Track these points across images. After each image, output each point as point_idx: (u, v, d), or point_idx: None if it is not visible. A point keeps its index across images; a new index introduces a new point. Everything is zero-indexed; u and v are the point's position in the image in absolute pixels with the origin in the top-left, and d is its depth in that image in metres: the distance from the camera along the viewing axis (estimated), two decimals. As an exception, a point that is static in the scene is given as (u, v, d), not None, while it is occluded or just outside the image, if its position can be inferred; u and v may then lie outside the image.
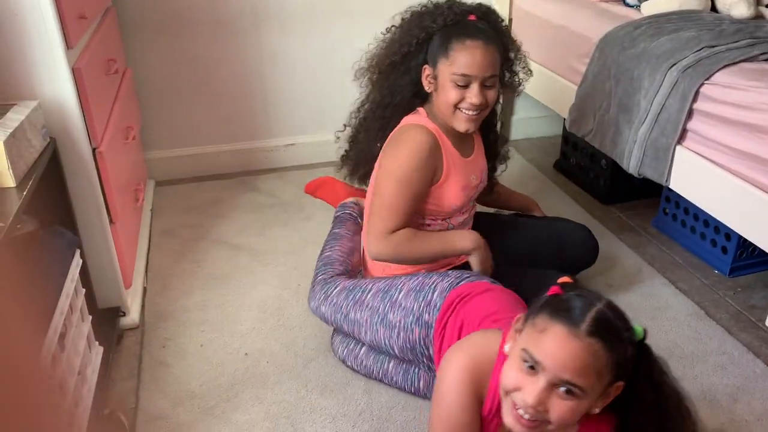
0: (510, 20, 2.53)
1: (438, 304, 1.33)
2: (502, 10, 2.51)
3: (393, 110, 1.55)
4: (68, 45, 1.41)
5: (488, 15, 1.50)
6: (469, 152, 1.58)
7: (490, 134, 1.69)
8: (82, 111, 1.46)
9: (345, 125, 1.74)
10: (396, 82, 1.53)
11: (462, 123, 1.47)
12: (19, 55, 1.36)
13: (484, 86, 1.43)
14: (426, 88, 1.50)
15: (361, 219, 1.75)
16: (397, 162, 1.47)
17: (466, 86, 1.43)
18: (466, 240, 1.50)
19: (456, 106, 1.45)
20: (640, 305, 1.78)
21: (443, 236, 1.52)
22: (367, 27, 1.75)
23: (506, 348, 1.03)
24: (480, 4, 1.52)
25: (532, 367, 0.94)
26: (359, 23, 2.37)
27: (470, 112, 1.45)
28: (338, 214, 1.84)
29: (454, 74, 1.42)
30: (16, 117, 1.27)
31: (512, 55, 1.58)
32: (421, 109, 1.52)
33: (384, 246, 1.46)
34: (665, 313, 1.75)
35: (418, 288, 1.38)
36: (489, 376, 1.06)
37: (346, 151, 1.75)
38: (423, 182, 1.47)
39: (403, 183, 1.45)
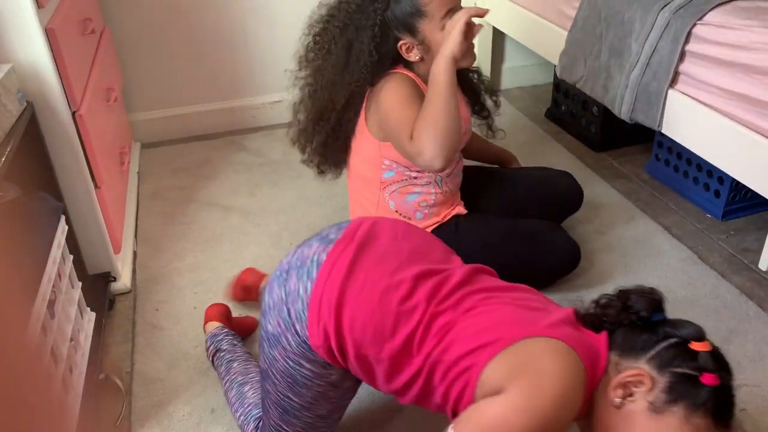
0: (497, -35, 2.46)
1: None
2: (489, -45, 2.44)
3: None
4: (39, 4, 1.36)
5: None
6: None
7: (466, 82, 1.65)
8: (59, 73, 1.42)
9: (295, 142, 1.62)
10: (361, 79, 1.45)
11: (472, 54, 1.46)
12: (-12, 17, 1.31)
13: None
14: (413, 58, 1.46)
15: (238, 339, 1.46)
16: (389, 96, 1.43)
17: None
18: (440, 63, 1.38)
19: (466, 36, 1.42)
20: (634, 251, 1.78)
21: (431, 90, 1.39)
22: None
23: (615, 399, 0.93)
24: None
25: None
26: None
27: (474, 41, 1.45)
28: (222, 346, 1.42)
29: (443, 20, 1.40)
30: (-12, 81, 1.23)
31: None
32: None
33: (432, 150, 1.34)
34: (659, 258, 1.75)
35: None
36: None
37: (318, 159, 1.62)
38: (418, 103, 1.42)
39: (403, 102, 1.41)
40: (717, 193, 1.90)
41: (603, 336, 0.98)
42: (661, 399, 0.90)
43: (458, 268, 1.07)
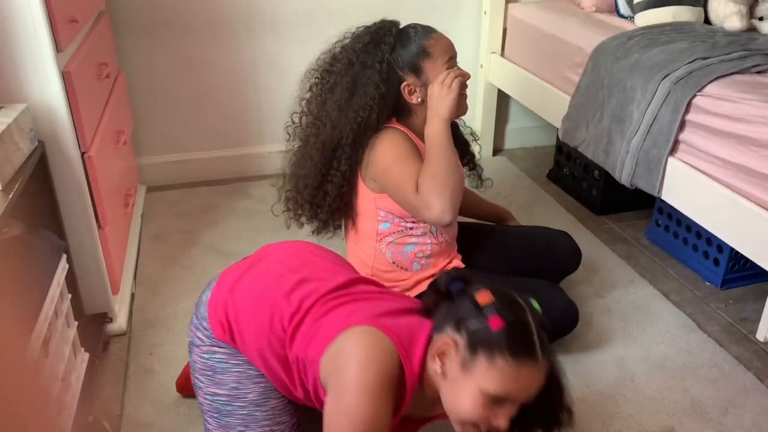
0: (504, 29, 2.53)
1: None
2: (497, 19, 2.51)
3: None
4: (58, 48, 1.40)
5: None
6: None
7: (455, 133, 1.68)
8: (72, 115, 1.45)
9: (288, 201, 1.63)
10: (366, 122, 1.46)
11: (465, 105, 1.52)
12: (8, 58, 1.35)
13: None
14: (414, 101, 1.49)
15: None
16: (388, 151, 1.45)
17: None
18: (438, 124, 1.44)
19: (460, 93, 1.48)
20: (632, 316, 1.77)
21: (433, 148, 1.43)
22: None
23: (437, 369, 1.03)
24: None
25: (500, 402, 0.99)
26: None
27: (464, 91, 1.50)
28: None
29: (445, 64, 1.47)
30: (3, 120, 1.26)
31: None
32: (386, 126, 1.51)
33: (441, 205, 1.37)
34: (657, 324, 1.74)
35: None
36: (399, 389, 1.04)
37: (314, 212, 1.60)
38: (417, 157, 1.45)
39: (402, 157, 1.44)
40: (716, 261, 1.91)
41: (429, 322, 1.09)
42: (466, 356, 1.00)
43: (340, 277, 1.17)
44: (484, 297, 1.02)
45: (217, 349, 1.19)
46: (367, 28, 1.51)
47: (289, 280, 1.15)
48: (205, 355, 1.20)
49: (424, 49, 1.47)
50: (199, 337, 1.21)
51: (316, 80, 1.55)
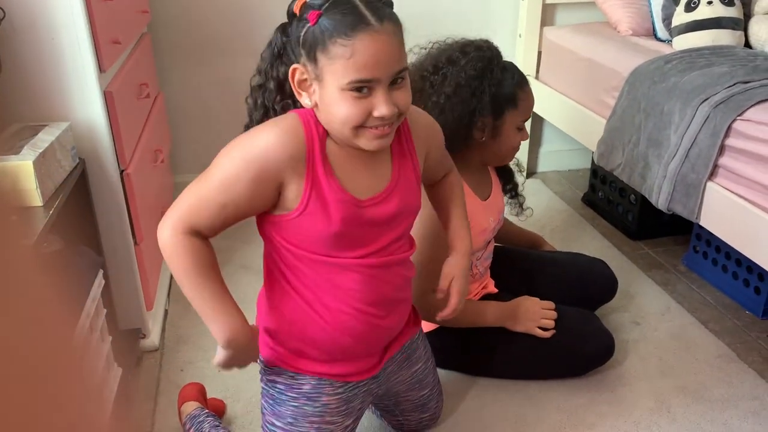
0: (539, 53, 2.53)
1: None
2: (531, 42, 2.51)
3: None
4: (101, 69, 1.44)
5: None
6: (486, 194, 1.56)
7: (504, 177, 1.67)
8: (112, 133, 1.48)
9: None
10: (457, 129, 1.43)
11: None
12: (53, 78, 1.39)
13: None
14: (479, 138, 1.46)
15: None
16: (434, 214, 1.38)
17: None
18: (498, 315, 1.52)
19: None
20: (669, 345, 1.73)
21: (478, 308, 1.52)
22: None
23: (307, 102, 1.00)
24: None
25: (363, 89, 0.94)
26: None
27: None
28: (204, 428, 1.36)
29: (520, 122, 1.49)
30: (46, 138, 1.29)
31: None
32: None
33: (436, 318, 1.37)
34: (695, 354, 1.70)
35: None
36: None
37: None
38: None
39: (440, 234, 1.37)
40: (757, 290, 1.85)
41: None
42: (313, 69, 0.96)
43: None
44: (297, 5, 0.97)
45: (277, 378, 1.19)
46: (480, 52, 1.43)
47: None
48: (267, 384, 1.21)
49: (515, 97, 1.45)
50: (261, 368, 1.22)
51: (429, 78, 1.45)
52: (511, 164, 1.69)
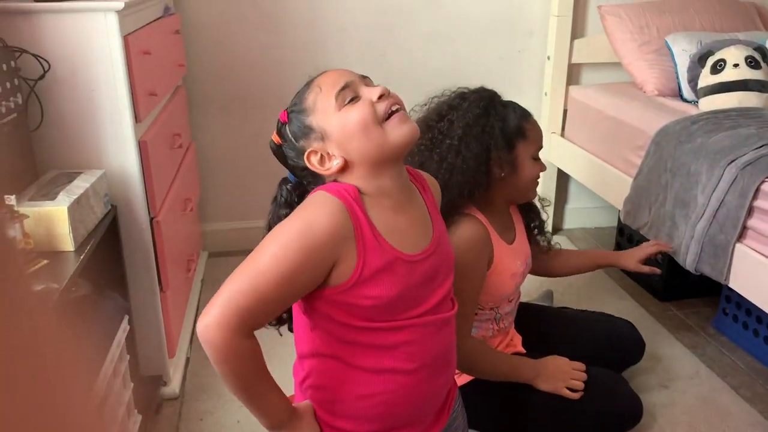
0: (564, 111, 2.55)
1: None
2: (557, 101, 2.54)
3: None
4: (137, 119, 1.49)
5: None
6: (511, 238, 1.56)
7: (531, 214, 1.67)
8: (144, 181, 1.52)
9: None
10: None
11: (535, 189, 1.55)
12: (91, 127, 1.44)
13: None
14: (497, 174, 1.45)
15: None
16: (470, 250, 1.40)
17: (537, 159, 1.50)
18: (529, 370, 1.50)
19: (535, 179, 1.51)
20: (698, 411, 1.67)
21: (511, 361, 1.51)
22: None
23: (337, 162, 1.01)
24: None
25: (349, 99, 0.99)
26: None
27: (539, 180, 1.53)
28: None
29: (535, 152, 1.49)
30: (81, 185, 1.33)
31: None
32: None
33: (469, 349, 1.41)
34: (725, 421, 1.64)
35: None
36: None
37: None
38: (484, 271, 1.45)
39: (478, 268, 1.41)
40: (790, 356, 1.80)
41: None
42: (315, 135, 1.02)
43: None
44: (274, 136, 1.09)
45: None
46: (478, 94, 1.48)
47: None
48: None
49: (523, 128, 1.46)
50: None
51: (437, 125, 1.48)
52: (535, 201, 1.69)
